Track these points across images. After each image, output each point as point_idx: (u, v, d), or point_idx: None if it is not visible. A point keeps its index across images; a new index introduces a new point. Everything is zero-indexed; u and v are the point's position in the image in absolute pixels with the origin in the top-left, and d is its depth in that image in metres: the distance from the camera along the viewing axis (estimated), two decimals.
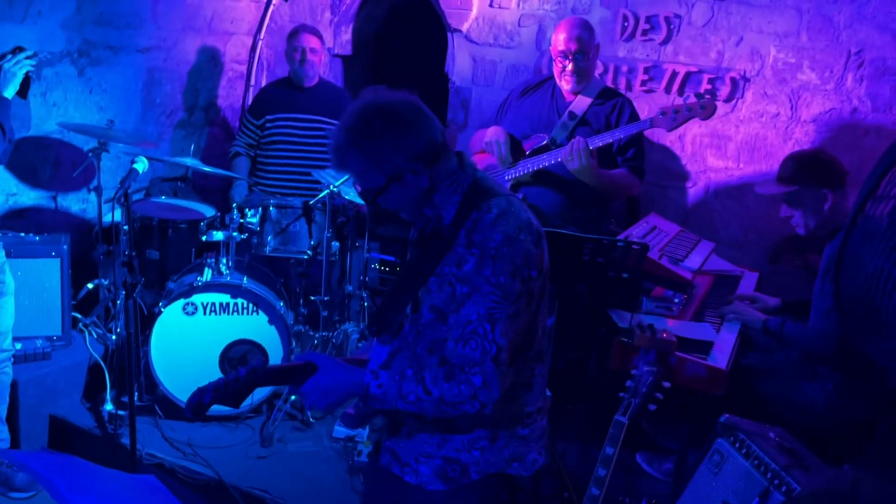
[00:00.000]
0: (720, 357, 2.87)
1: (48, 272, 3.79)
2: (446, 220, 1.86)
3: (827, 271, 2.98)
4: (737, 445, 2.42)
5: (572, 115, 3.68)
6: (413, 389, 1.79)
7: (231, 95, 5.36)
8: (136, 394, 3.48)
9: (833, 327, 2.89)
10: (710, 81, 4.21)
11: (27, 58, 3.18)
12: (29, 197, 4.28)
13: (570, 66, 3.64)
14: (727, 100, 4.20)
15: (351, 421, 2.08)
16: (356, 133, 1.80)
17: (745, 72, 4.15)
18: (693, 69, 4.25)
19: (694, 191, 4.42)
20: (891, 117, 3.93)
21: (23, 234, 3.82)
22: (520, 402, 1.93)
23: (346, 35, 5.44)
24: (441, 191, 1.87)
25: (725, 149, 4.29)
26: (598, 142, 3.54)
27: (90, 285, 4.07)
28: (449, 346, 1.80)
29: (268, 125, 4.52)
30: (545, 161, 3.61)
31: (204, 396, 1.84)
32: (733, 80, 4.18)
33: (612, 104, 3.71)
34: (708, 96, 3.79)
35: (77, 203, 4.50)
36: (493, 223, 1.78)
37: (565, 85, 3.71)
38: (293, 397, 3.77)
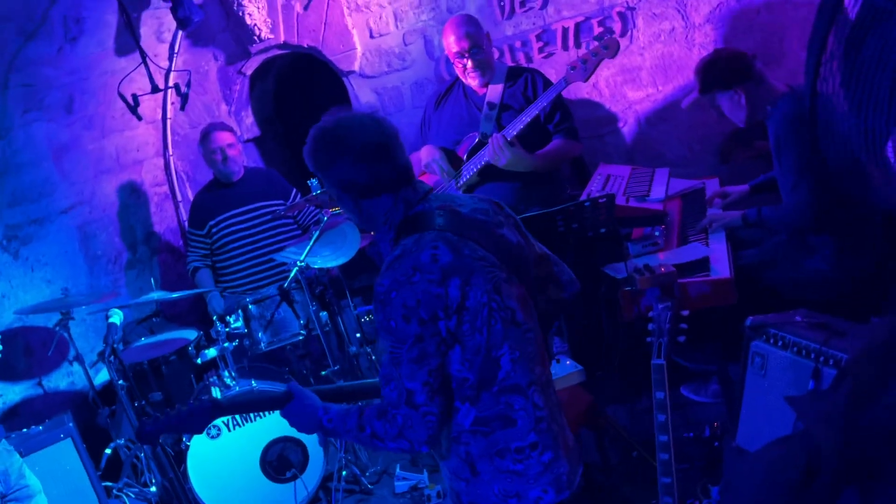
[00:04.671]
0: (721, 268, 2.93)
1: (64, 455, 3.72)
2: (385, 256, 1.92)
3: (778, 148, 3.06)
4: (772, 341, 2.48)
5: (491, 105, 3.73)
6: (353, 425, 1.88)
7: (164, 218, 5.34)
8: None
9: (804, 198, 2.98)
10: (601, 24, 4.31)
11: None
12: (15, 392, 4.21)
13: (469, 63, 3.69)
14: (622, 34, 4.29)
15: None
16: (311, 143, 1.94)
17: (627, 2, 4.25)
18: (580, 19, 4.35)
19: (627, 129, 4.51)
20: None
21: (25, 430, 3.75)
22: (498, 437, 1.88)
23: (249, 118, 5.46)
24: (379, 230, 1.96)
25: (639, 79, 4.39)
26: (513, 129, 3.60)
27: (108, 450, 4.01)
28: (381, 386, 1.86)
29: (213, 231, 4.50)
30: (480, 162, 3.67)
31: (146, 426, 2.05)
32: (620, 14, 4.28)
33: (522, 80, 3.77)
34: (607, 35, 3.88)
35: (63, 379, 4.44)
36: (387, 267, 1.83)
37: (472, 81, 3.77)
38: (344, 472, 3.75)
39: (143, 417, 1.99)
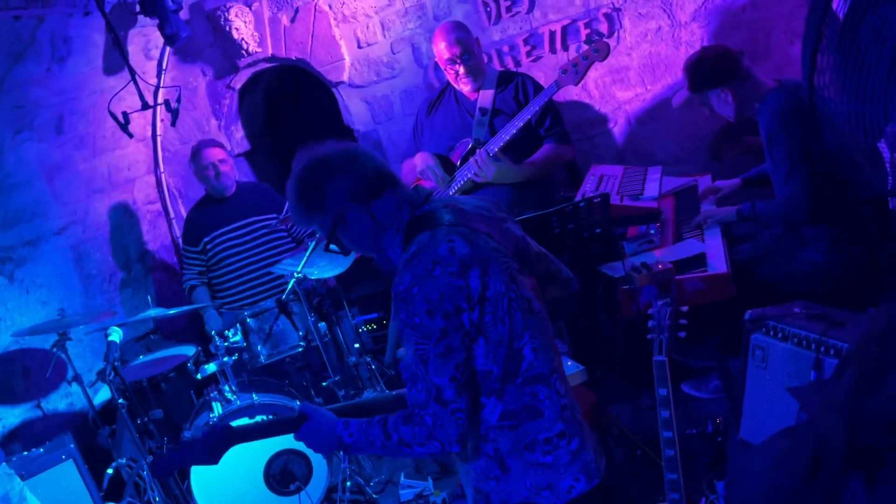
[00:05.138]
0: (717, 263, 2.94)
1: (66, 477, 3.69)
2: (396, 262, 1.93)
3: (770, 143, 3.08)
4: (771, 333, 2.48)
5: (483, 111, 3.75)
6: (378, 435, 1.86)
7: (157, 236, 5.33)
8: None
9: (797, 191, 2.99)
10: (587, 26, 4.33)
11: None
12: (14, 416, 4.19)
13: (461, 69, 3.70)
14: (609, 35, 4.31)
15: None
16: (295, 191, 1.98)
17: (613, 3, 4.27)
18: (566, 21, 4.36)
19: (617, 129, 4.52)
20: None
21: (25, 453, 3.73)
22: (526, 429, 1.89)
23: (239, 133, 5.45)
24: (386, 234, 1.96)
25: (628, 79, 4.40)
26: (497, 143, 3.61)
27: (110, 470, 3.98)
28: (406, 389, 1.85)
29: (208, 247, 4.50)
30: (472, 169, 3.68)
31: (161, 462, 2.01)
32: (606, 15, 4.29)
33: (513, 85, 3.79)
34: (596, 37, 3.89)
35: (62, 400, 4.42)
36: (405, 265, 1.83)
37: (465, 87, 3.78)
38: (348, 483, 3.74)
39: (157, 453, 1.94)
